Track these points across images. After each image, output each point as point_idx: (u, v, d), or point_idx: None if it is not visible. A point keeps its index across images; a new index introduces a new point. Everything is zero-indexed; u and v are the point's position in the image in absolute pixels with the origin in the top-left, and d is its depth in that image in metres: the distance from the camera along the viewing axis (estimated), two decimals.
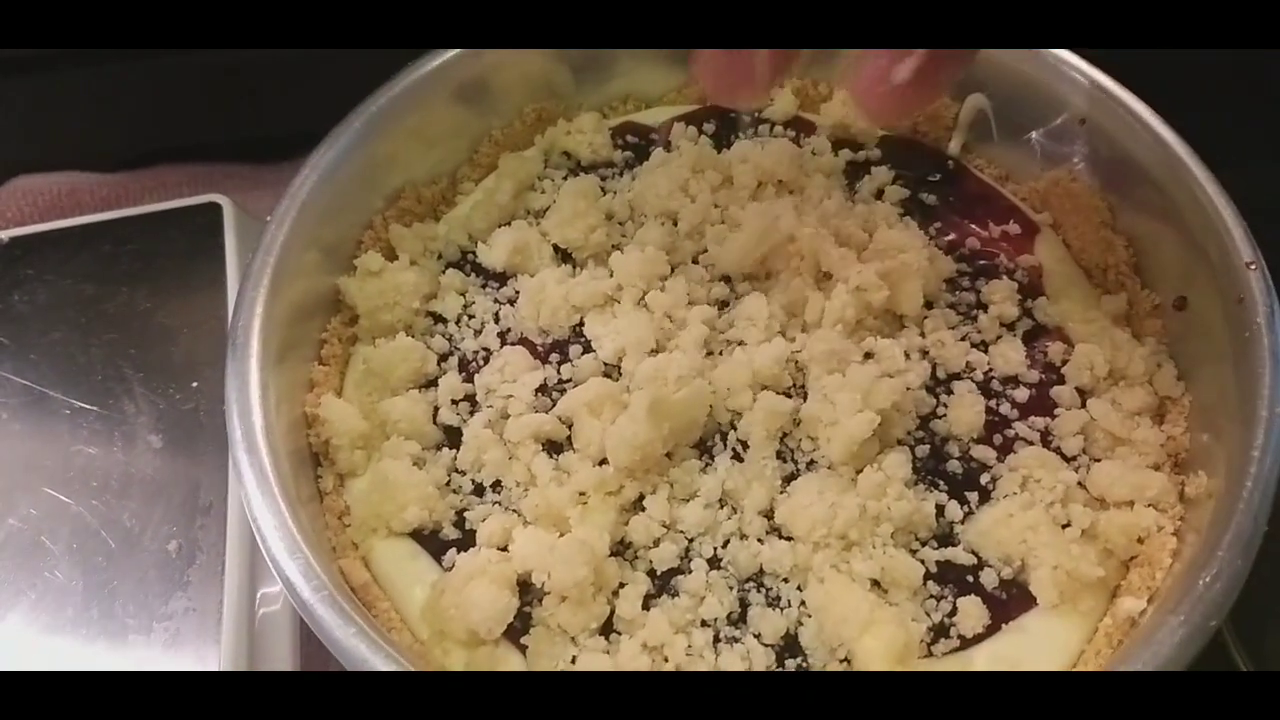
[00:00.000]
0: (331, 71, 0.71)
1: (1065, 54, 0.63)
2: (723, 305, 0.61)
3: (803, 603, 0.51)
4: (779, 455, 0.55)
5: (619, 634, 0.50)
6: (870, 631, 0.48)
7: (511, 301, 0.62)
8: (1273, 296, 0.53)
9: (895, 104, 0.49)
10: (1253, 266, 0.54)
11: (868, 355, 0.57)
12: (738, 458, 0.55)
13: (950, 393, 0.57)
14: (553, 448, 0.56)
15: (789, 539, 0.52)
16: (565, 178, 0.68)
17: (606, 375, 0.58)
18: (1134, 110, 0.61)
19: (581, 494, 0.53)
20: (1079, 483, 0.54)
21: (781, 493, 0.54)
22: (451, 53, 0.66)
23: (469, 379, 0.59)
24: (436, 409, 0.58)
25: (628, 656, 0.48)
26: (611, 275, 0.61)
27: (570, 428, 0.56)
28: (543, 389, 0.57)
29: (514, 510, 0.54)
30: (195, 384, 0.61)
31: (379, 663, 0.44)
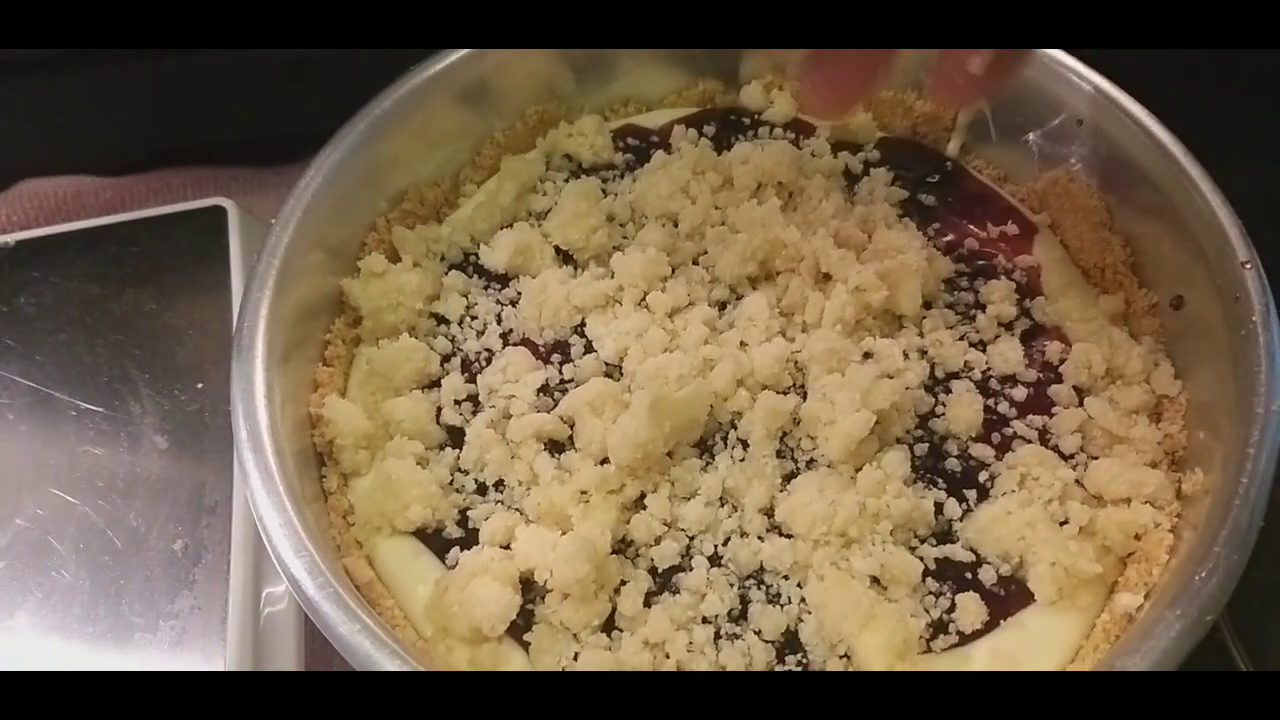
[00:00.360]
0: (334, 74, 0.71)
1: (1062, 55, 0.64)
2: (723, 306, 0.62)
3: (803, 599, 0.51)
4: (779, 454, 0.56)
5: (621, 631, 0.50)
6: (870, 627, 0.48)
7: (513, 302, 0.62)
8: (1269, 295, 0.54)
9: (970, 92, 0.52)
10: (1249, 265, 0.54)
11: (867, 355, 0.58)
12: (738, 456, 0.55)
13: (949, 392, 0.58)
14: (555, 447, 0.56)
15: (789, 536, 0.53)
16: (567, 180, 0.68)
17: (608, 375, 0.58)
18: (1130, 111, 0.62)
19: (583, 492, 0.53)
20: (1076, 480, 0.54)
21: (781, 491, 0.54)
22: (454, 55, 0.67)
23: (471, 379, 0.59)
24: (439, 409, 0.58)
25: (629, 653, 0.49)
26: (613, 276, 0.62)
27: (572, 427, 0.56)
28: (544, 389, 0.58)
29: (516, 509, 0.54)
30: (200, 385, 0.61)
31: (384, 659, 0.45)
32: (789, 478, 0.55)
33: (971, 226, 0.66)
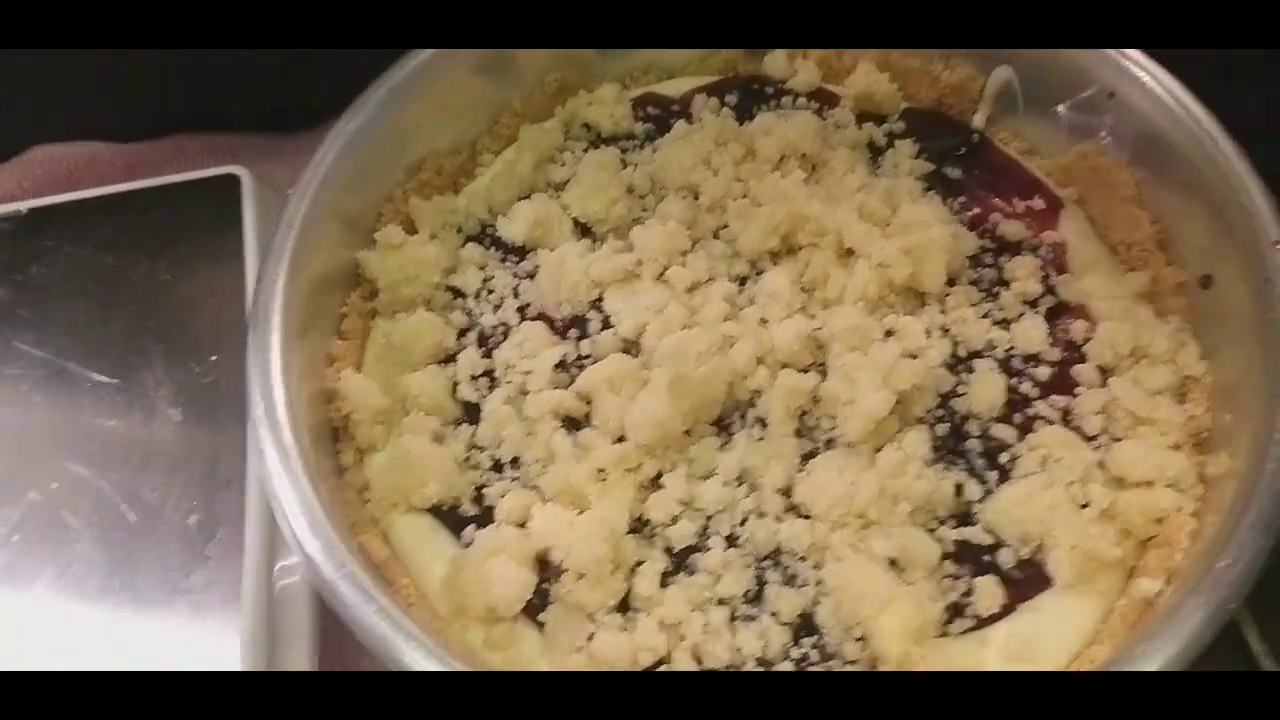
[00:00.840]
0: None
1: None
2: (744, 280, 0.61)
3: (820, 581, 0.51)
4: (798, 433, 0.55)
5: (636, 611, 0.50)
6: (888, 611, 0.48)
7: (531, 276, 0.62)
8: None
9: None
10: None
11: (889, 333, 0.57)
12: (757, 435, 0.55)
13: (971, 371, 0.57)
14: (572, 424, 0.56)
15: (807, 517, 0.52)
16: (586, 150, 0.67)
17: (626, 351, 0.58)
18: (1164, 83, 0.60)
19: (600, 471, 0.53)
20: (1099, 462, 0.54)
21: (800, 471, 0.53)
22: None
23: (488, 354, 0.59)
24: (456, 384, 0.58)
25: (645, 634, 0.48)
26: (632, 250, 0.61)
27: (590, 404, 0.55)
28: (562, 365, 0.57)
29: (533, 487, 0.54)
30: (215, 357, 0.61)
31: (400, 641, 0.44)
32: (808, 457, 0.54)
33: (997, 201, 0.65)
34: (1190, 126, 0.59)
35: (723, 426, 0.55)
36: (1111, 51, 0.62)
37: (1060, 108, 0.66)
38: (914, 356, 0.56)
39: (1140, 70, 0.61)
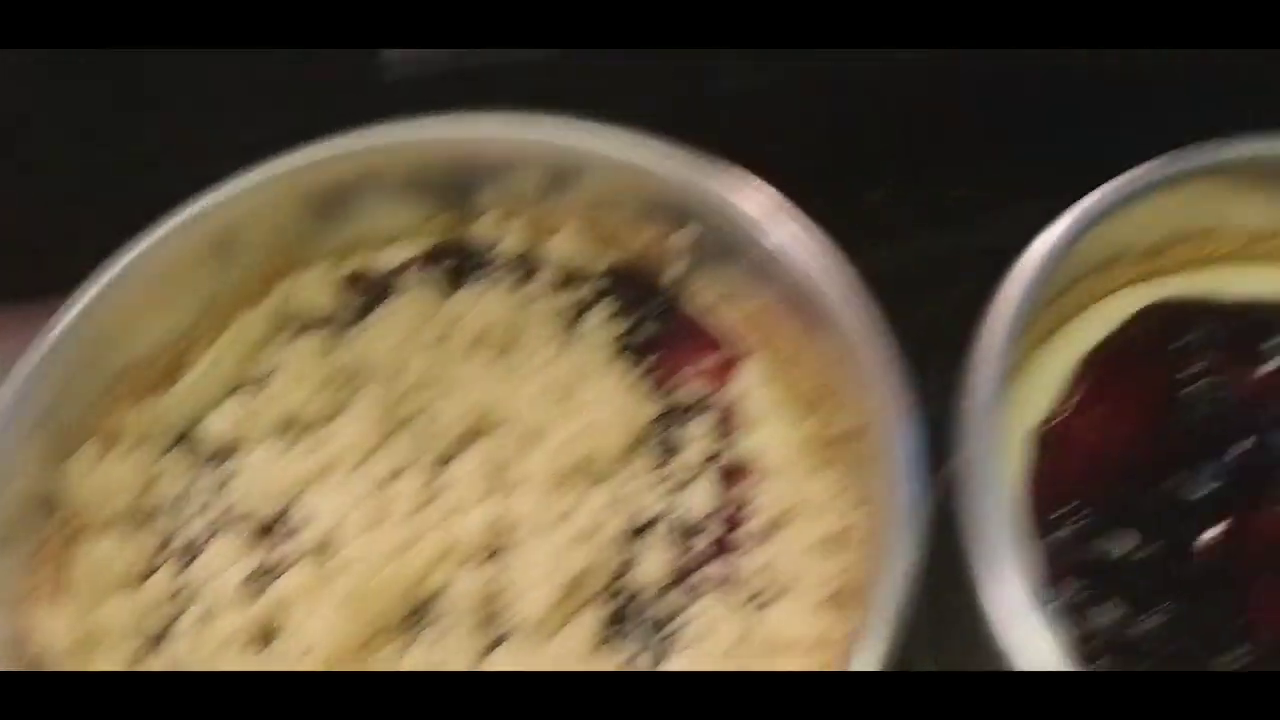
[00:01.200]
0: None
1: (756, 186, 0.67)
2: (439, 466, 0.64)
3: None
4: (484, 622, 0.58)
5: None
6: None
7: (231, 481, 0.63)
8: (913, 445, 0.57)
9: None
10: (900, 416, 0.58)
11: (569, 513, 0.61)
12: (439, 634, 0.58)
13: (644, 542, 0.61)
14: (262, 639, 0.57)
15: None
16: (296, 335, 0.69)
17: (320, 552, 0.60)
18: (810, 244, 0.65)
19: None
20: (754, 626, 0.58)
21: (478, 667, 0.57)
22: (185, 214, 0.67)
23: (184, 569, 0.60)
24: (149, 608, 0.59)
25: None
26: (328, 445, 0.64)
27: (279, 618, 0.58)
28: (255, 576, 0.59)
29: None
30: None
31: None
32: (491, 648, 0.57)
33: (684, 357, 0.69)
34: (834, 292, 0.63)
35: (408, 626, 0.58)
36: (772, 210, 0.66)
37: (739, 263, 0.70)
38: (590, 535, 0.60)
39: (789, 230, 0.66)
